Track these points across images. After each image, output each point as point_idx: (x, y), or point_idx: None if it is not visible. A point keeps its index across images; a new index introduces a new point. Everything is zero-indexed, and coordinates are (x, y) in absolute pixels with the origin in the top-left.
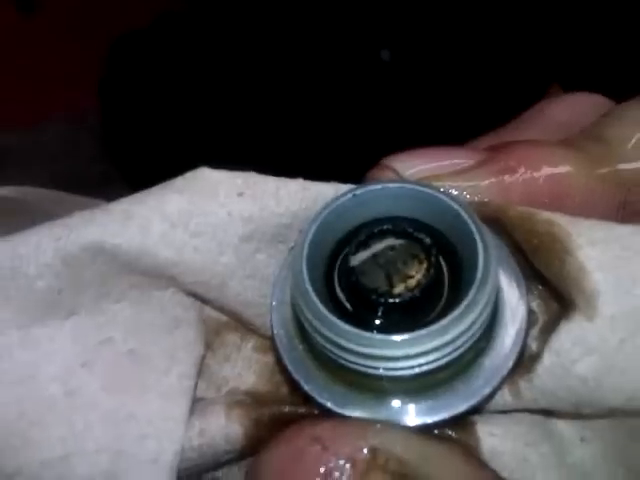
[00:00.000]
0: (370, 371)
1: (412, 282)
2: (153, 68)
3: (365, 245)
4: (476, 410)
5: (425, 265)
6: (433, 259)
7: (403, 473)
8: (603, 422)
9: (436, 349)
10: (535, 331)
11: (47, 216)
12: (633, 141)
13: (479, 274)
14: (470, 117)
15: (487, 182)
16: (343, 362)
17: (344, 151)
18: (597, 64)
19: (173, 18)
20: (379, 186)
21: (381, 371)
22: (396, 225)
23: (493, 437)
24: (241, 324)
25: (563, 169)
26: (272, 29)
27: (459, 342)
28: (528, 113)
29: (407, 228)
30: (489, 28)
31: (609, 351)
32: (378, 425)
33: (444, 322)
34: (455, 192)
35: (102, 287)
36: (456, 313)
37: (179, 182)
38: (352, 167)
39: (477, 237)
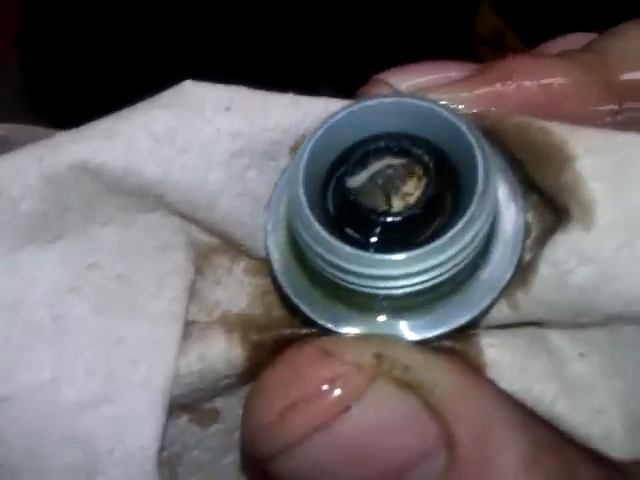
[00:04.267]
0: (370, 291)
1: (411, 199)
2: (71, 12)
3: (362, 164)
4: (474, 323)
5: (424, 181)
6: (432, 175)
7: (407, 381)
8: (601, 335)
9: (436, 267)
10: (529, 242)
11: None
12: (629, 52)
13: (479, 189)
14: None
15: (481, 91)
16: (342, 283)
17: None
18: None
19: None
20: (375, 101)
21: (381, 290)
22: (393, 142)
23: (493, 348)
24: (231, 246)
25: (557, 75)
26: None
27: (459, 258)
28: (529, 52)
29: (404, 145)
30: None
31: (606, 260)
32: (381, 337)
33: (443, 239)
34: (450, 104)
35: (88, 209)
36: (455, 230)
37: (164, 98)
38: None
39: (476, 150)
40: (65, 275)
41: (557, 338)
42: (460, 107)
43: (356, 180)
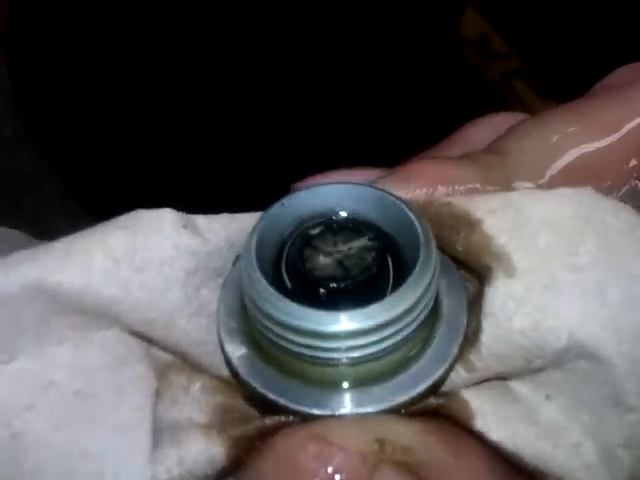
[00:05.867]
0: (332, 355)
1: (366, 262)
2: (58, 14)
3: (307, 244)
4: (434, 391)
5: (373, 244)
6: (378, 239)
7: (407, 462)
8: (559, 376)
9: (394, 320)
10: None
11: None
12: (525, 154)
13: (421, 240)
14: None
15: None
16: (306, 355)
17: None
18: None
19: None
20: (304, 191)
21: (342, 354)
22: (332, 221)
23: (475, 400)
24: (187, 364)
25: (458, 180)
26: None
27: (414, 314)
28: (451, 136)
29: (343, 222)
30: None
31: (537, 298)
32: (377, 417)
33: (398, 293)
34: None
35: (42, 329)
36: (409, 282)
37: (122, 218)
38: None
39: (414, 219)
40: (20, 393)
41: (520, 388)
42: None
43: (305, 257)
